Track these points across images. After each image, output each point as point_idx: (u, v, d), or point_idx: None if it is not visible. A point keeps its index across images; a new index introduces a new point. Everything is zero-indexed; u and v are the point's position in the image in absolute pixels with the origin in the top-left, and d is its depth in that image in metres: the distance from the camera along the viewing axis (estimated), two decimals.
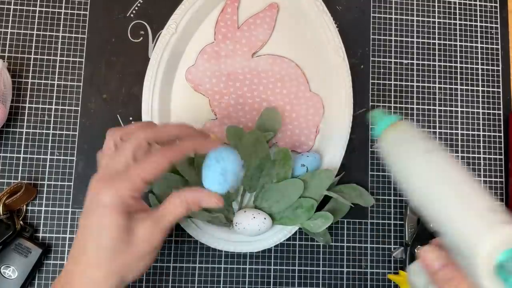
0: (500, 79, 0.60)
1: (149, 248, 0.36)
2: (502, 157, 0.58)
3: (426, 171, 0.33)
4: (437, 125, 0.58)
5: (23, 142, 0.53)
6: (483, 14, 0.61)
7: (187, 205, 0.37)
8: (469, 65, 0.59)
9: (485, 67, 0.59)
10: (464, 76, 0.59)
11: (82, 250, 0.36)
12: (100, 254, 0.35)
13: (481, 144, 0.58)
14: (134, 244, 0.35)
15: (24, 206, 0.51)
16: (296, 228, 0.52)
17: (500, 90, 0.59)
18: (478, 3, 0.61)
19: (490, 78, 0.59)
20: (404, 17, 0.59)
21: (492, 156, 0.58)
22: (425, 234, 0.52)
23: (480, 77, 0.59)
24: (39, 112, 0.54)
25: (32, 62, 0.54)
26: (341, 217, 0.53)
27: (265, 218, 0.49)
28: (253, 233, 0.49)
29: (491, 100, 0.59)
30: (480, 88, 0.59)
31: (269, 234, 0.51)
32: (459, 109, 0.58)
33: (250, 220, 0.48)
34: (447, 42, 0.60)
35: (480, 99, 0.59)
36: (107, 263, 0.35)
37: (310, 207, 0.49)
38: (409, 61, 0.59)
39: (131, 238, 0.35)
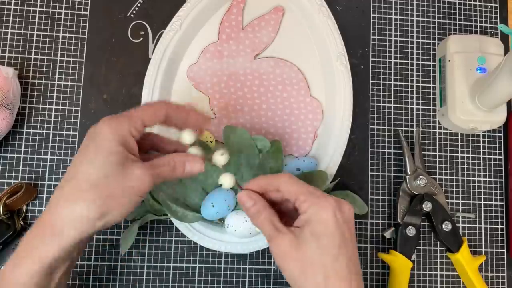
0: None
1: (138, 189, 0.35)
2: (502, 157, 0.58)
3: None
4: (437, 125, 0.58)
5: (23, 142, 0.53)
6: (483, 14, 0.61)
7: (174, 167, 0.38)
8: None
9: None
10: None
11: (72, 176, 0.35)
12: (92, 175, 0.34)
13: (481, 144, 0.58)
14: (127, 176, 0.35)
15: (25, 206, 0.52)
16: None
17: None
18: (478, 3, 0.61)
19: None
20: (404, 17, 0.60)
21: (492, 156, 0.58)
22: (416, 214, 0.53)
23: None
24: (39, 112, 0.54)
25: (32, 62, 0.54)
26: None
27: None
28: (244, 235, 0.49)
29: None
30: None
31: None
32: None
33: (242, 223, 0.48)
34: None
35: None
36: (95, 194, 0.34)
37: None
38: (409, 61, 0.59)
39: (125, 169, 0.35)
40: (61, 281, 0.37)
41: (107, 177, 0.34)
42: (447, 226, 0.53)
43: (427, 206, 0.53)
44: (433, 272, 0.55)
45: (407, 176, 0.54)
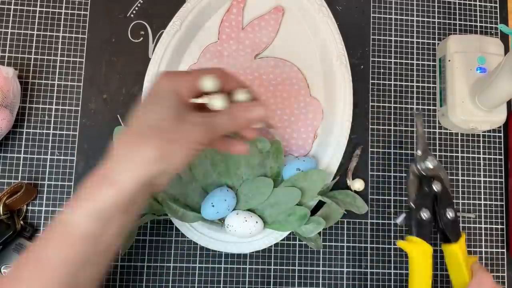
0: None
1: (192, 136, 0.36)
2: (502, 157, 0.58)
3: None
4: (437, 125, 0.58)
5: (23, 142, 0.53)
6: (483, 14, 0.61)
7: (234, 116, 0.37)
8: None
9: None
10: None
11: (133, 124, 0.36)
12: (151, 119, 0.35)
13: (481, 144, 0.58)
14: (181, 122, 0.35)
15: (25, 206, 0.52)
16: None
17: None
18: (478, 3, 0.61)
19: None
20: (404, 17, 0.60)
21: (492, 156, 0.58)
22: (427, 196, 0.49)
23: None
24: (39, 112, 0.54)
25: (32, 62, 0.54)
26: (334, 223, 0.53)
27: (256, 222, 0.49)
28: (244, 235, 0.49)
29: None
30: None
31: (268, 232, 0.51)
32: None
33: (242, 223, 0.48)
34: None
35: None
36: (156, 136, 0.34)
37: (303, 216, 0.49)
38: (409, 61, 0.59)
39: (180, 115, 0.35)
40: (113, 237, 0.35)
41: (164, 120, 0.35)
42: (450, 214, 0.48)
43: (437, 187, 0.48)
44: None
45: (418, 156, 0.49)
